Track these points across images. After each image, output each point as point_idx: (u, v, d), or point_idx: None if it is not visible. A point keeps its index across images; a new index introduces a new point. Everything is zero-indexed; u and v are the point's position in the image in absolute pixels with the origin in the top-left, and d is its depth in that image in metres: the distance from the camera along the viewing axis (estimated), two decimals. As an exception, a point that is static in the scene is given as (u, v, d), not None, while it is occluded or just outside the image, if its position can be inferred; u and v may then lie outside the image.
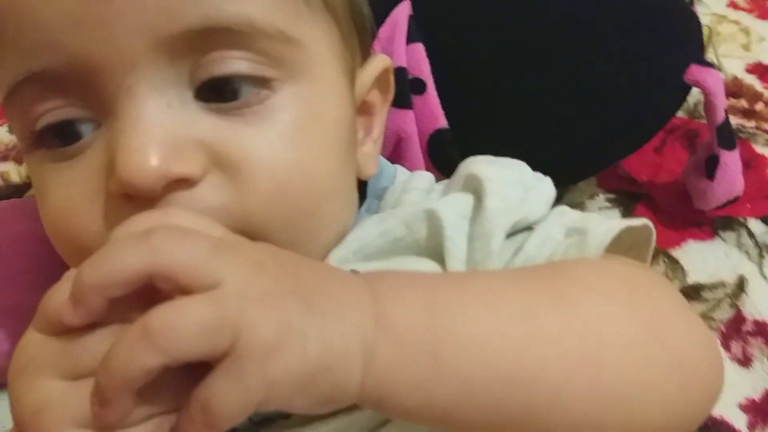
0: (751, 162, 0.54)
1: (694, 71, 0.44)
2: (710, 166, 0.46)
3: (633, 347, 0.25)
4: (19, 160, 0.58)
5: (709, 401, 0.27)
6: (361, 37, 0.33)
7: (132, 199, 0.25)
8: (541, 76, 0.44)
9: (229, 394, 0.19)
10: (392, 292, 0.23)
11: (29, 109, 0.26)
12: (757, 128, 0.58)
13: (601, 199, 0.51)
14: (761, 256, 0.48)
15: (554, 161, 0.44)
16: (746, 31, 0.70)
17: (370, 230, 0.30)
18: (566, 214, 0.31)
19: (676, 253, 0.48)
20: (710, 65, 0.45)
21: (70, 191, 0.26)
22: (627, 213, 0.51)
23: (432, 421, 0.23)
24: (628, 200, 0.52)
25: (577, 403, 0.24)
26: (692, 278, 0.47)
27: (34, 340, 0.21)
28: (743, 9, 0.73)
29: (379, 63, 0.34)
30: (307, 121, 0.28)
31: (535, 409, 0.23)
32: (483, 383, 0.23)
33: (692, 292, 0.46)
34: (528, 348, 0.23)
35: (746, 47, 0.68)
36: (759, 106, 0.60)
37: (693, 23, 0.46)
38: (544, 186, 0.32)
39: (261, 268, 0.21)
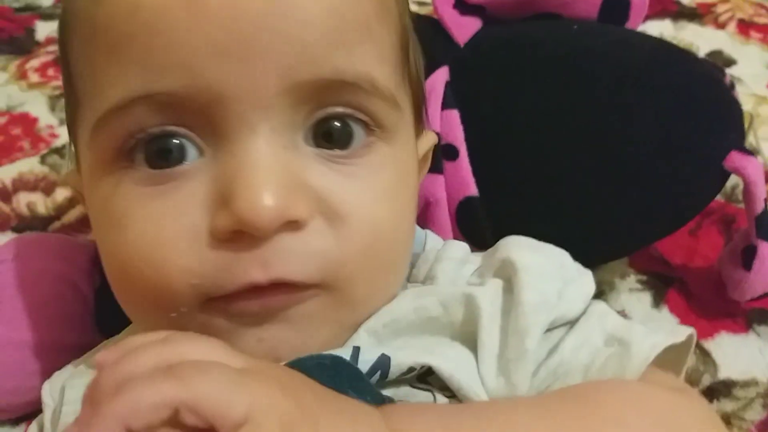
0: (790, 252, 0.53)
1: (735, 158, 0.43)
2: (747, 256, 0.44)
3: None
4: (47, 191, 0.59)
5: None
6: (421, 112, 0.34)
7: (239, 237, 0.25)
8: (579, 154, 0.43)
9: None
10: (406, 419, 0.23)
11: (133, 126, 0.26)
12: (797, 217, 0.56)
13: (632, 279, 0.50)
14: (797, 355, 0.46)
15: (587, 240, 0.44)
16: (787, 115, 0.68)
17: (404, 304, 0.29)
18: (607, 318, 0.29)
19: (709, 345, 0.46)
20: (751, 153, 0.43)
21: (161, 222, 0.26)
22: (659, 297, 0.49)
23: None
24: (660, 283, 0.50)
25: None
26: (724, 373, 0.45)
27: None
28: (785, 92, 0.72)
29: (430, 139, 0.36)
30: (398, 182, 0.29)
31: None
32: None
33: (723, 389, 0.44)
34: None
35: (787, 131, 0.66)
36: (799, 194, 0.59)
37: (734, 109, 0.45)
38: (584, 280, 0.31)
39: (284, 391, 0.20)
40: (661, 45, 0.48)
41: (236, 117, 0.25)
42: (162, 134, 0.26)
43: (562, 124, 0.44)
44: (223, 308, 0.26)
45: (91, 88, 0.27)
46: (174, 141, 0.26)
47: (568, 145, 0.44)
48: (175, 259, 0.25)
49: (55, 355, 0.38)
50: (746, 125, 0.47)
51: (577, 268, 0.32)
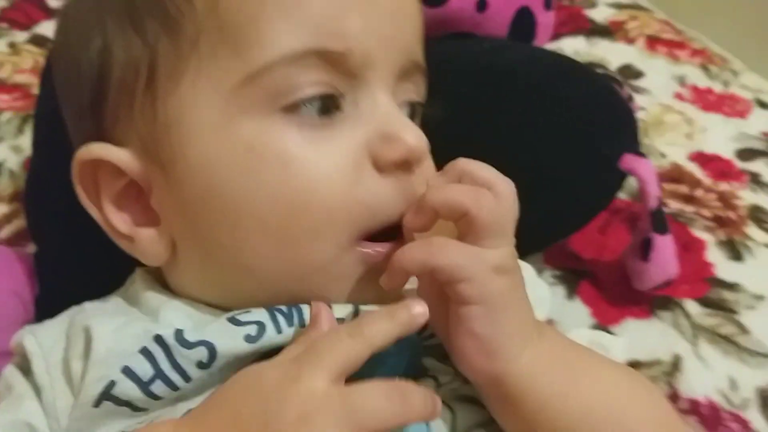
0: (689, 245, 0.58)
1: (628, 160, 0.47)
2: (645, 249, 0.49)
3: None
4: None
5: None
6: None
7: (397, 168, 0.32)
8: (496, 157, 0.47)
9: (460, 256, 0.30)
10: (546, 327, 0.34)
11: (300, 75, 0.31)
12: (696, 213, 0.61)
13: (547, 275, 0.54)
14: (696, 337, 0.51)
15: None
16: (690, 122, 0.75)
17: None
18: (580, 329, 0.42)
19: (616, 330, 0.50)
20: (643, 155, 0.48)
21: (334, 160, 0.31)
22: (571, 289, 0.53)
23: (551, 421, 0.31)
24: (572, 277, 0.54)
25: None
26: (630, 355, 0.49)
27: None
28: (688, 101, 0.79)
29: None
30: None
31: None
32: (596, 417, 0.32)
33: (629, 369, 0.48)
34: (621, 405, 0.33)
35: (689, 136, 0.72)
36: (698, 193, 0.64)
37: (628, 117, 0.50)
38: (543, 285, 0.42)
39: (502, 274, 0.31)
40: (563, 60, 0.53)
41: (380, 79, 0.33)
42: (331, 90, 0.32)
43: (475, 134, 0.48)
44: (360, 254, 0.33)
45: (247, 37, 0.31)
46: (339, 96, 0.32)
47: (481, 154, 0.47)
48: (349, 189, 0.31)
49: (1, 360, 0.39)
50: (641, 133, 0.52)
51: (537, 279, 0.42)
